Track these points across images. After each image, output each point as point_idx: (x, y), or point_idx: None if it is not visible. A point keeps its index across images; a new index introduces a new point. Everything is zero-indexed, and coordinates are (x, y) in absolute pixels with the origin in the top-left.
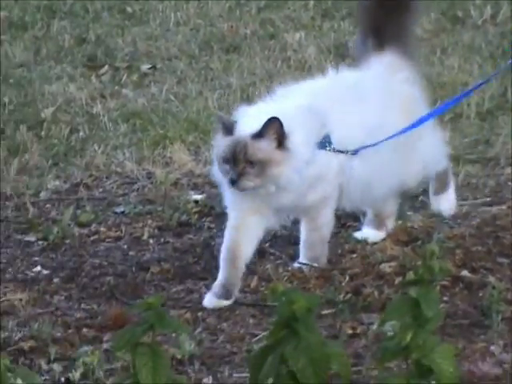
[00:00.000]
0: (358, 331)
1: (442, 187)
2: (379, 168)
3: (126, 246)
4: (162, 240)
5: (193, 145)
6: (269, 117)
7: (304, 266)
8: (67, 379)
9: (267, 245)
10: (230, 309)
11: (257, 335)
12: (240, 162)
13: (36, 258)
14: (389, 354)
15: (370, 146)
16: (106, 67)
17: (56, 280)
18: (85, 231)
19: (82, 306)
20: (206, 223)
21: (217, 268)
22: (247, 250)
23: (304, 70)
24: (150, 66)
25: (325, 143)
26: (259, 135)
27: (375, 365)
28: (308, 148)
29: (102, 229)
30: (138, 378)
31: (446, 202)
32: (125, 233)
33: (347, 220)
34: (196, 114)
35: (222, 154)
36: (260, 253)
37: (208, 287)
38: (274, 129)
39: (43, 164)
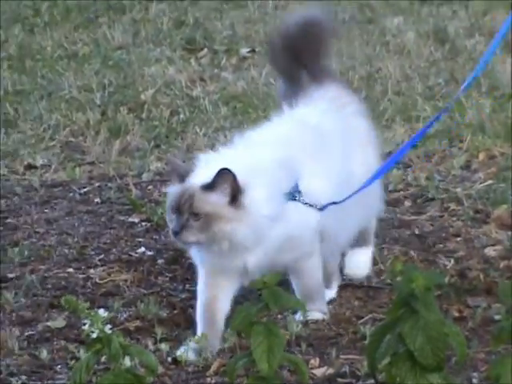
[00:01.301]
0: (465, 314)
1: (363, 241)
2: (344, 219)
3: None
4: None
5: None
6: (220, 168)
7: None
8: (174, 359)
9: None
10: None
11: (362, 317)
12: (184, 213)
13: (140, 239)
14: (505, 335)
15: (337, 202)
16: (205, 50)
17: (160, 261)
18: None
19: (187, 286)
20: None
21: None
22: (223, 306)
23: (403, 54)
24: (249, 49)
25: (294, 194)
26: (210, 187)
27: (483, 347)
28: (273, 203)
29: None
30: (254, 356)
31: (362, 263)
32: None
33: (449, 204)
34: None
35: (170, 203)
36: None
37: None
38: (226, 182)
39: (145, 145)
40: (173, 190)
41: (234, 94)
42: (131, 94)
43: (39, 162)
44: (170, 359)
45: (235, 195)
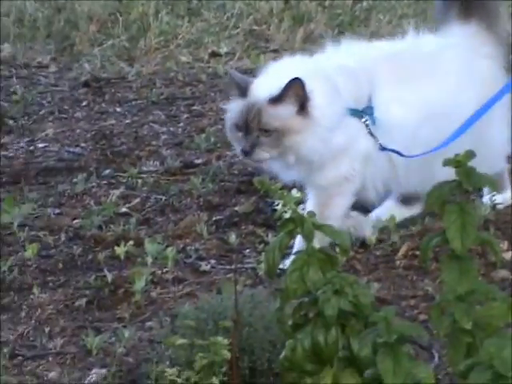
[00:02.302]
0: None
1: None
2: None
3: None
4: None
5: None
6: (291, 78)
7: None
8: (363, 243)
9: None
10: None
11: None
12: (253, 131)
13: None
14: None
15: (404, 155)
16: None
17: None
18: None
19: None
20: None
21: None
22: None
23: None
24: None
25: (362, 113)
26: (278, 99)
27: None
28: (333, 111)
29: None
30: (446, 235)
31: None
32: None
33: None
34: None
35: (234, 120)
36: None
37: None
38: (295, 91)
39: (328, 33)
40: (235, 105)
41: None
42: None
43: (223, 49)
44: (358, 243)
45: (303, 104)
